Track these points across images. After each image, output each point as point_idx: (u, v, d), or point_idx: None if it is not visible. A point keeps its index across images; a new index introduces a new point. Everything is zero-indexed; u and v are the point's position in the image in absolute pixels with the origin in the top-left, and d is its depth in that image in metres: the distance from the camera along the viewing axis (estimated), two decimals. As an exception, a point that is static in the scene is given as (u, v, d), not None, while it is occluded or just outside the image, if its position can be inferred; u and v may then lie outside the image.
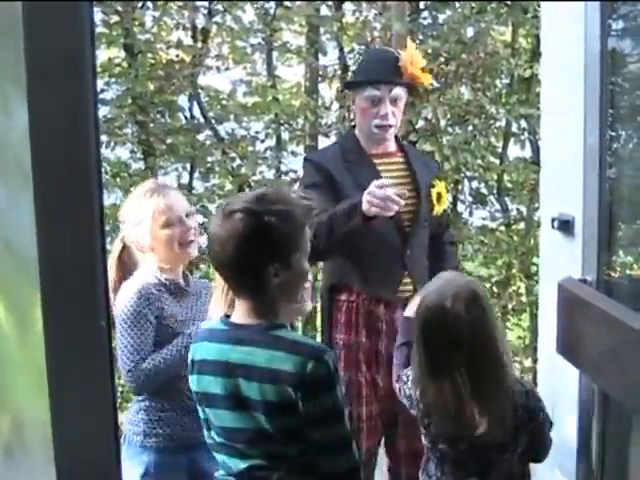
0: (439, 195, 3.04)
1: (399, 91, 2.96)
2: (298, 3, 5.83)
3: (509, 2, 5.90)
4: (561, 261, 2.52)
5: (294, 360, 1.88)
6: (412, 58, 2.99)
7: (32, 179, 1.14)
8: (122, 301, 2.52)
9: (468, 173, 5.93)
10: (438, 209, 3.04)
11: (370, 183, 2.74)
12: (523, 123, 5.95)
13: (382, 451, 3.05)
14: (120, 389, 5.07)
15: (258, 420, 1.93)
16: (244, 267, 1.95)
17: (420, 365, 2.22)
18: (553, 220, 2.51)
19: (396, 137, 3.12)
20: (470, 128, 5.82)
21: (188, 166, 5.61)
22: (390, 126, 2.97)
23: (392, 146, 3.08)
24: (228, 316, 2.05)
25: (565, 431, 2.50)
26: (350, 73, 3.10)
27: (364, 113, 2.98)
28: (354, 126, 3.15)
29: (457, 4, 5.88)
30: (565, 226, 2.47)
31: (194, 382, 2.07)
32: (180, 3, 5.47)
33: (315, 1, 5.79)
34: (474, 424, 2.17)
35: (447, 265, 3.08)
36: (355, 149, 3.04)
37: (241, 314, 2.01)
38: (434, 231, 3.08)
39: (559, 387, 2.57)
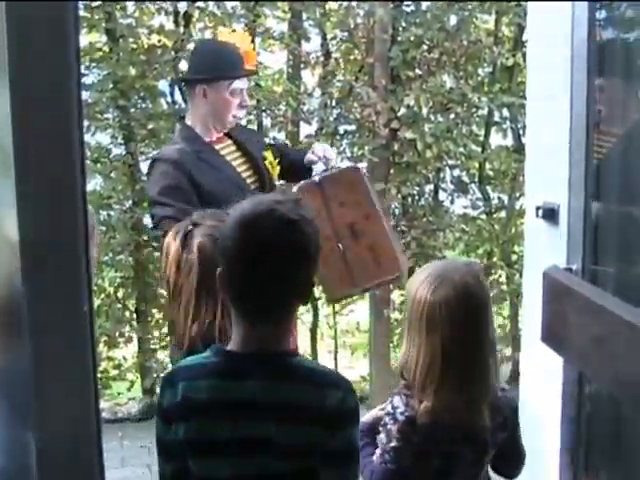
0: (271, 164, 3.36)
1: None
2: (281, -11, 5.80)
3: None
4: (545, 250, 2.52)
5: (320, 392, 1.65)
6: (249, 53, 3.27)
7: (14, 165, 1.13)
8: None
9: (450, 161, 5.93)
10: (274, 175, 3.38)
11: (225, 169, 3.10)
12: (505, 111, 5.95)
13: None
14: (99, 375, 5.05)
15: (266, 466, 1.67)
16: (292, 285, 1.69)
17: (433, 355, 2.00)
18: (538, 209, 2.51)
19: None
20: (452, 116, 5.81)
21: (169, 152, 5.56)
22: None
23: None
24: (221, 345, 1.78)
25: (548, 419, 2.51)
26: (192, 66, 3.31)
27: (227, 104, 3.16)
28: (183, 117, 3.38)
29: (441, -9, 5.86)
30: (550, 214, 2.47)
31: (185, 429, 1.71)
32: (162, -13, 5.43)
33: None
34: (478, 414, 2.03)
35: None
36: (197, 139, 3.18)
37: (247, 342, 1.71)
38: None
39: (542, 375, 2.57)
